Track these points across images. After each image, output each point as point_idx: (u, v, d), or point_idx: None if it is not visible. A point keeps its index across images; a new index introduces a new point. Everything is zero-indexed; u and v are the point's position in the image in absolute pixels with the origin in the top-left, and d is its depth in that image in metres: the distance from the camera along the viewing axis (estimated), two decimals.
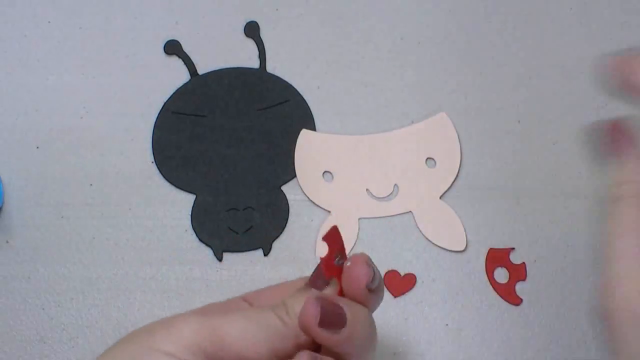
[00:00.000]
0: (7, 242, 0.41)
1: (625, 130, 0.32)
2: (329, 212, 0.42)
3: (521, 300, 0.41)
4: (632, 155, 0.31)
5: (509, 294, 0.41)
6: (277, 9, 0.47)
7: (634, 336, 0.27)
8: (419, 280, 0.41)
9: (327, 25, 0.46)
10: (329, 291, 0.30)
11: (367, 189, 0.42)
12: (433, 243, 0.42)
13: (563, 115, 0.44)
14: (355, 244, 0.41)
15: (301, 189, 0.43)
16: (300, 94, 0.44)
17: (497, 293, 0.41)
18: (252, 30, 0.46)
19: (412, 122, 0.44)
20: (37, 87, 0.45)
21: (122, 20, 0.46)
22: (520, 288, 0.41)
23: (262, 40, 0.46)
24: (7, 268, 0.41)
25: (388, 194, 0.42)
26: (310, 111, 0.44)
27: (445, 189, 0.42)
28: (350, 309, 0.29)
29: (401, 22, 0.46)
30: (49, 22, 0.46)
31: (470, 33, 0.46)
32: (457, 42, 0.46)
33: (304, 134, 0.43)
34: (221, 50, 0.45)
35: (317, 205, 0.42)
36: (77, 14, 0.47)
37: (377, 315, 0.39)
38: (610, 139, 0.32)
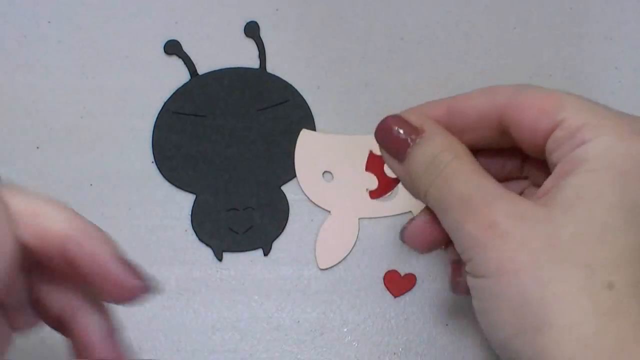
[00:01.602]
0: None
1: (393, 131, 0.32)
2: (329, 212, 0.42)
3: None
4: (428, 135, 0.32)
5: None
6: (277, 9, 0.47)
7: None
8: (419, 280, 0.41)
9: (327, 25, 0.46)
10: None
11: (367, 189, 0.42)
12: None
13: None
14: (355, 244, 0.41)
15: (301, 189, 0.43)
16: (300, 94, 0.44)
17: None
18: (252, 30, 0.46)
19: None
20: (37, 87, 0.45)
21: (122, 20, 0.46)
22: None
23: (262, 41, 0.46)
24: None
25: (388, 194, 0.42)
26: (310, 111, 0.44)
27: None
28: None
29: (401, 22, 0.46)
30: (49, 22, 0.46)
31: (470, 33, 0.46)
32: (457, 42, 0.46)
33: (304, 134, 0.43)
34: (221, 51, 0.45)
35: (317, 205, 0.42)
36: (77, 14, 0.47)
37: (377, 315, 0.40)
38: (390, 142, 0.33)
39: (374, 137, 0.43)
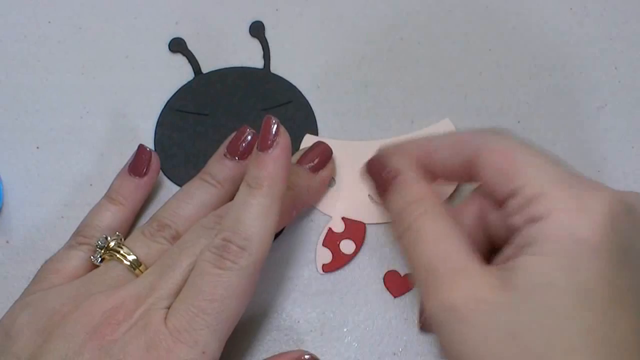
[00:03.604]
0: (7, 242, 0.41)
1: (382, 166, 0.35)
2: (331, 217, 0.41)
3: None
4: (402, 181, 0.34)
5: None
6: (277, 9, 0.47)
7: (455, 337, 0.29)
8: None
9: (327, 25, 0.46)
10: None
11: (369, 195, 0.42)
12: None
13: (563, 115, 0.44)
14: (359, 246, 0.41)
15: None
16: (303, 95, 0.44)
17: None
18: (257, 30, 0.46)
19: (412, 122, 0.44)
20: (37, 87, 0.45)
21: (123, 20, 0.46)
22: None
23: (267, 41, 0.46)
24: (7, 268, 0.41)
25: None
26: (313, 112, 0.44)
27: (450, 193, 0.42)
28: None
29: (401, 22, 0.46)
30: (49, 22, 0.46)
31: (470, 33, 0.46)
32: (457, 42, 0.46)
33: (308, 139, 0.43)
34: (225, 50, 0.46)
35: (319, 210, 0.42)
36: (77, 14, 0.47)
37: (377, 315, 0.40)
38: (374, 180, 0.36)
39: (376, 144, 0.43)
